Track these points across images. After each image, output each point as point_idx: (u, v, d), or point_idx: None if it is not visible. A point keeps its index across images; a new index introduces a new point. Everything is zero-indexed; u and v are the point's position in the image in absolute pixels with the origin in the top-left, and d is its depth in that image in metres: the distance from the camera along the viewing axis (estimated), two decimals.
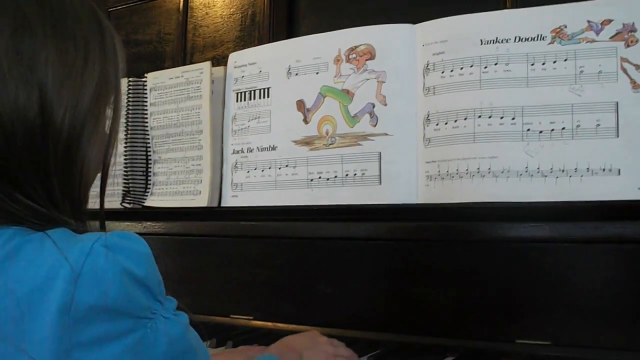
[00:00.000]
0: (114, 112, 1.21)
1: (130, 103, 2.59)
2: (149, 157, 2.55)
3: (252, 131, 2.29)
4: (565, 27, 1.81)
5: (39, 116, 1.08)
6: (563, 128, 1.77)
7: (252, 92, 2.31)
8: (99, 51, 1.17)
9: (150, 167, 2.55)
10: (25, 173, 1.08)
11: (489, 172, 1.83)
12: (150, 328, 1.05)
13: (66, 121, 1.10)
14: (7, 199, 1.08)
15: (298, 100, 2.19)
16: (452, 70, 1.92)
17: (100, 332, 1.00)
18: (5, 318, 0.99)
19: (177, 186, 2.44)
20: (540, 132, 1.80)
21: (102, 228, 1.25)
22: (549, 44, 1.82)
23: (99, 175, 1.24)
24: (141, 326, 1.04)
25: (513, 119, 1.82)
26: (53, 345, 0.97)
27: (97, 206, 1.24)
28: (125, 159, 2.57)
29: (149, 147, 2.55)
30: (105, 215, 1.28)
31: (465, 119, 1.87)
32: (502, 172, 1.81)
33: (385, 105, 2.02)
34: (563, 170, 1.76)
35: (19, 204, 1.08)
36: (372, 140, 2.03)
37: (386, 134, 2.01)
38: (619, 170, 1.72)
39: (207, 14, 2.77)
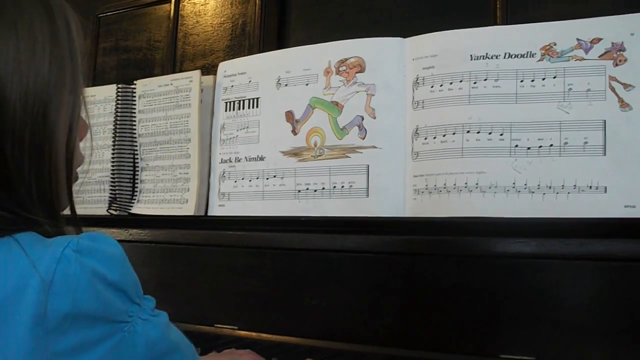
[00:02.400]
0: (73, 96, 1.17)
1: (118, 110, 2.59)
2: (137, 165, 2.55)
3: (241, 141, 2.29)
4: (555, 44, 1.82)
5: None
6: (551, 145, 1.78)
7: (241, 101, 2.31)
8: (49, 35, 1.13)
9: (137, 175, 2.54)
10: None
11: (477, 187, 1.83)
12: (128, 332, 1.03)
13: (22, 111, 1.07)
14: None
15: (287, 111, 2.19)
16: (441, 85, 1.93)
17: (77, 340, 0.98)
18: None
19: (164, 194, 2.43)
20: (529, 148, 1.80)
21: (78, 230, 1.20)
22: (539, 60, 1.83)
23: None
24: (118, 330, 1.02)
25: (501, 134, 1.83)
26: (28, 358, 0.96)
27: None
28: (112, 166, 2.56)
29: (137, 154, 2.55)
30: (90, 221, 1.25)
31: (454, 133, 1.88)
32: (490, 188, 1.82)
33: (374, 118, 2.03)
34: (550, 187, 1.77)
35: None
36: (361, 152, 2.03)
37: (375, 147, 2.01)
38: (606, 188, 1.72)
39: (197, 22, 2.77)
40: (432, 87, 1.94)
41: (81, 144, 1.27)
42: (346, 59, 2.10)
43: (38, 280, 0.96)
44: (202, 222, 2.33)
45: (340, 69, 2.10)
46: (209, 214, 2.35)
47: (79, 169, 1.26)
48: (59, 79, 1.13)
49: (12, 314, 0.96)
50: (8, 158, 1.06)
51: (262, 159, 2.22)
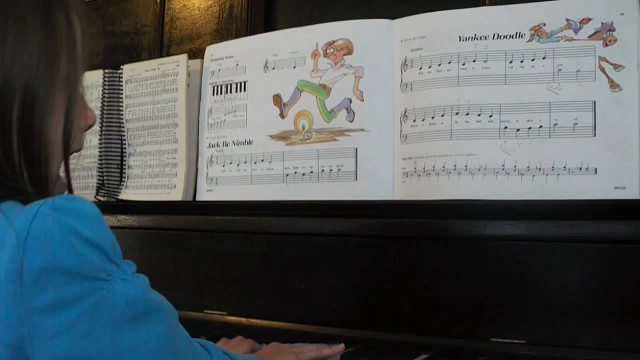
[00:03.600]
0: (70, 83, 1.16)
1: (105, 95, 2.57)
2: (124, 150, 2.53)
3: (228, 125, 2.27)
4: (544, 25, 1.81)
5: None
6: (540, 126, 1.77)
7: (229, 85, 2.29)
8: (41, 21, 1.12)
9: (125, 160, 2.53)
10: None
11: (466, 170, 1.82)
12: (106, 290, 1.02)
13: (7, 93, 1.08)
14: None
15: (275, 95, 2.17)
16: (430, 67, 1.92)
17: (55, 297, 0.97)
18: None
19: (152, 180, 2.42)
20: (518, 130, 1.79)
21: None
22: (528, 41, 1.82)
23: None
24: (97, 288, 1.01)
25: (490, 116, 1.82)
26: (6, 313, 0.96)
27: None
28: (100, 152, 2.55)
29: (124, 139, 2.53)
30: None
31: (443, 115, 1.87)
32: (479, 170, 1.81)
33: (363, 100, 2.01)
34: (540, 169, 1.76)
35: None
36: (349, 135, 2.02)
37: (363, 130, 2.00)
38: (596, 170, 1.72)
39: (184, 6, 2.75)
40: (420, 68, 1.93)
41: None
42: (334, 41, 2.08)
43: (14, 237, 0.96)
44: (190, 207, 2.33)
45: (328, 51, 2.08)
46: (197, 199, 2.34)
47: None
48: (50, 66, 1.12)
49: None
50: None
51: (250, 143, 2.21)
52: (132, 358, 1.05)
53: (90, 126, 1.27)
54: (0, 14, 1.09)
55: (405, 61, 1.96)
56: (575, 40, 1.78)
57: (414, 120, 1.92)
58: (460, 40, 1.89)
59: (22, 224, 0.97)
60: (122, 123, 2.54)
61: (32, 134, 1.10)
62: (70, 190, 1.22)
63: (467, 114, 1.84)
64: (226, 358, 1.34)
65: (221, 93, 2.31)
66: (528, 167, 1.77)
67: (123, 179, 2.52)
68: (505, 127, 1.80)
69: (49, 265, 0.96)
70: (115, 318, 1.03)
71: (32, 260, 0.96)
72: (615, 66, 1.74)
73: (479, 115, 1.83)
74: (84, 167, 2.59)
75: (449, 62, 1.89)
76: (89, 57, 1.21)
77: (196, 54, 2.60)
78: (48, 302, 0.97)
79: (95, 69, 2.68)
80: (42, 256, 0.96)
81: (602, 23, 1.76)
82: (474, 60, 1.86)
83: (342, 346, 1.71)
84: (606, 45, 1.75)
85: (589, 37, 1.77)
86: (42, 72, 1.11)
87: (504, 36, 1.85)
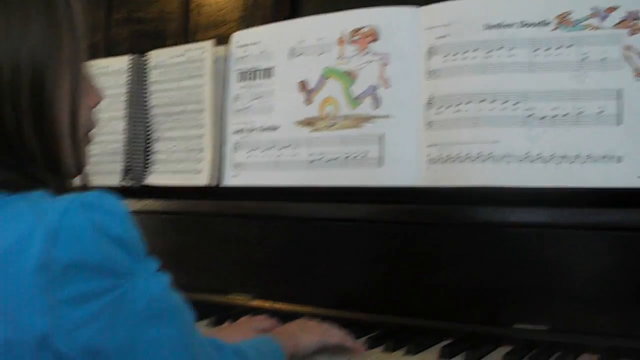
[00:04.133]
0: (74, 65, 1.18)
1: (131, 81, 2.59)
2: (150, 136, 2.55)
3: (254, 111, 2.29)
4: (570, 13, 1.81)
5: None
6: (565, 114, 1.78)
7: (255, 72, 2.31)
8: (44, 6, 1.13)
9: (150, 146, 2.55)
10: None
11: (491, 157, 1.83)
12: (129, 287, 1.05)
13: (16, 78, 1.09)
14: None
15: (300, 81, 2.19)
16: (455, 54, 1.92)
17: (80, 290, 1.00)
18: None
19: (178, 165, 2.44)
20: (542, 117, 1.80)
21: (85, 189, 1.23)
22: (553, 29, 1.82)
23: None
24: (120, 284, 1.04)
25: (515, 104, 1.82)
26: (34, 303, 0.98)
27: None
28: (125, 137, 2.57)
29: (150, 125, 2.55)
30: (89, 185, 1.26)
31: (468, 103, 1.88)
32: (504, 157, 1.82)
33: (388, 87, 2.02)
34: (564, 157, 1.76)
35: None
36: (374, 122, 2.03)
37: (388, 116, 2.01)
38: (620, 158, 1.72)
39: None
40: (446, 56, 1.94)
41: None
42: (360, 28, 2.09)
43: (43, 231, 0.99)
44: (215, 192, 2.34)
45: (354, 38, 2.09)
46: (223, 184, 2.35)
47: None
48: (55, 48, 1.14)
49: (17, 262, 0.98)
50: (7, 123, 1.09)
51: (275, 129, 2.22)
52: (149, 354, 1.09)
53: (97, 103, 1.29)
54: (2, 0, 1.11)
55: (431, 48, 1.97)
56: (601, 28, 1.78)
57: (439, 108, 1.93)
58: (486, 28, 1.89)
59: (52, 217, 1.00)
60: (148, 109, 2.56)
61: (43, 115, 1.12)
62: (80, 171, 1.25)
63: (492, 102, 1.85)
64: (238, 356, 1.36)
65: (247, 79, 2.32)
66: (552, 154, 1.77)
67: (148, 164, 2.54)
68: (530, 115, 1.81)
69: (76, 260, 1.00)
70: (135, 314, 1.06)
71: (61, 254, 0.98)
72: None
73: (504, 103, 1.84)
74: (109, 152, 2.61)
75: (475, 50, 1.89)
76: (87, 33, 1.23)
77: (221, 40, 2.60)
78: (73, 295, 1.00)
79: (121, 54, 2.71)
80: (70, 251, 0.99)
81: (628, 12, 1.76)
82: (500, 48, 1.86)
83: (363, 348, 1.72)
84: (632, 33, 1.75)
85: (614, 25, 1.77)
86: (47, 54, 1.12)
87: (529, 24, 1.85)
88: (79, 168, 1.24)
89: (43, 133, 1.12)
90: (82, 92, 1.21)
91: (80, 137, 1.23)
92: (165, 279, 1.13)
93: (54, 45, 1.13)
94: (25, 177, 1.09)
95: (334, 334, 1.70)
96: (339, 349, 1.68)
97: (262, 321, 1.82)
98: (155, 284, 1.10)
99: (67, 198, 1.03)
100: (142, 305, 1.07)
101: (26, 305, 0.98)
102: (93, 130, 1.29)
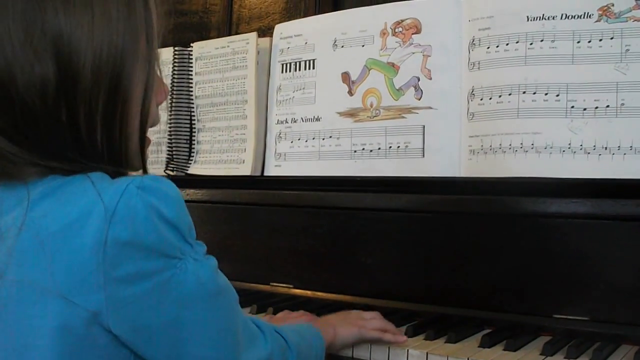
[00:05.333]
0: (147, 65, 1.20)
1: (175, 72, 2.62)
2: (193, 126, 2.58)
3: (297, 102, 2.31)
4: (613, 5, 1.81)
5: (59, 73, 1.09)
6: (607, 106, 1.78)
7: (298, 63, 2.33)
8: (125, 7, 1.15)
9: (194, 136, 2.58)
10: (57, 127, 1.11)
11: (532, 148, 1.83)
12: (179, 268, 1.09)
13: (96, 80, 1.11)
14: (39, 152, 1.11)
15: (343, 73, 2.21)
16: (497, 46, 1.93)
17: (133, 270, 1.04)
18: (31, 256, 1.04)
19: (221, 155, 2.46)
20: (585, 109, 1.80)
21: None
22: (596, 21, 1.82)
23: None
24: (171, 266, 1.08)
25: (557, 95, 1.83)
26: (89, 279, 1.02)
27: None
28: (169, 127, 2.60)
29: (194, 115, 2.58)
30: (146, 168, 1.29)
31: (510, 94, 1.88)
32: (545, 148, 1.82)
33: (430, 79, 2.04)
34: (606, 148, 1.76)
35: (52, 156, 1.11)
36: (417, 113, 2.04)
37: (430, 108, 2.03)
38: None
39: None
40: (488, 48, 1.94)
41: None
42: (402, 20, 2.10)
43: (102, 209, 1.03)
44: (258, 182, 2.37)
45: (397, 30, 2.11)
46: (266, 174, 2.38)
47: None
48: (132, 49, 1.16)
49: (76, 237, 1.02)
50: (81, 124, 1.12)
51: (318, 119, 2.24)
52: (194, 334, 1.13)
53: (164, 101, 1.32)
54: (85, 3, 1.12)
55: (473, 40, 1.98)
56: None
57: (481, 99, 1.94)
58: (528, 20, 1.89)
59: (110, 198, 1.04)
60: (192, 99, 2.60)
61: (115, 115, 1.15)
62: (145, 170, 1.28)
63: (534, 93, 1.85)
64: (277, 336, 1.39)
65: (290, 70, 2.34)
66: (594, 146, 1.78)
67: (192, 154, 2.57)
68: (572, 107, 1.81)
69: (131, 240, 1.03)
70: (183, 295, 1.10)
71: (117, 234, 1.02)
72: None
73: (546, 94, 1.84)
74: (154, 143, 2.64)
75: (517, 42, 1.90)
76: (160, 36, 1.26)
77: (264, 32, 2.63)
78: (126, 274, 1.04)
79: (165, 46, 2.74)
80: (126, 231, 1.03)
81: None
82: (542, 40, 1.87)
83: (404, 338, 1.72)
84: None
85: None
86: (125, 54, 1.15)
87: (572, 16, 1.85)
88: (143, 166, 1.27)
89: (113, 133, 1.15)
90: (154, 93, 1.24)
91: (146, 135, 1.26)
92: (213, 262, 1.18)
93: (132, 46, 1.16)
94: (87, 169, 1.12)
95: (373, 328, 1.71)
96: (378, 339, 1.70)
97: (301, 316, 1.84)
98: (203, 266, 1.14)
99: (125, 180, 1.07)
100: (191, 286, 1.11)
101: (82, 281, 1.02)
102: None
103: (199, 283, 1.12)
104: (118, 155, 1.17)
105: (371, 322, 1.73)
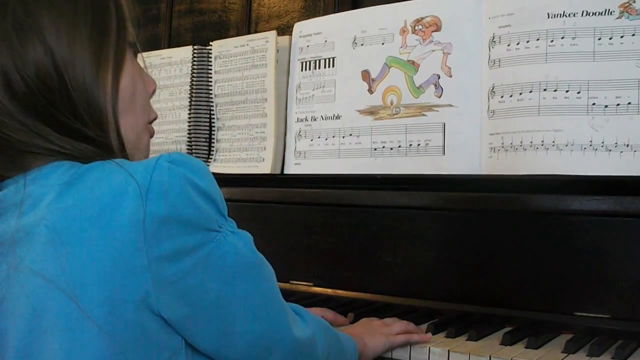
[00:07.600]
0: (118, 54, 1.20)
1: (194, 71, 2.63)
2: (213, 124, 2.59)
3: (317, 100, 2.31)
4: (634, 1, 1.80)
5: (56, 69, 1.11)
6: (629, 103, 1.77)
7: (317, 61, 2.33)
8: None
9: (213, 134, 2.59)
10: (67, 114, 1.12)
11: (553, 145, 1.83)
12: (218, 241, 1.08)
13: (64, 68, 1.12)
14: (54, 138, 1.12)
15: (363, 70, 2.21)
16: (518, 43, 1.92)
17: (175, 246, 1.03)
18: (67, 249, 1.02)
19: (241, 153, 2.47)
20: (606, 106, 1.79)
21: None
22: (617, 18, 1.81)
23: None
24: (211, 239, 1.07)
25: (578, 92, 1.82)
26: (133, 263, 1.01)
27: None
28: (189, 126, 2.61)
29: (213, 114, 2.59)
30: None
31: (531, 91, 1.88)
32: (567, 146, 1.82)
33: (451, 76, 2.04)
34: (628, 145, 1.76)
35: (67, 142, 1.12)
36: (437, 111, 2.04)
37: (451, 105, 2.02)
38: None
39: None
40: (508, 45, 1.94)
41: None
42: (422, 18, 2.10)
43: (136, 187, 1.02)
44: (278, 180, 2.37)
45: (417, 27, 2.11)
46: (286, 172, 2.38)
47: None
48: (102, 40, 1.17)
49: (112, 221, 1.01)
50: (68, 120, 1.13)
51: (338, 117, 2.25)
52: (240, 308, 1.12)
53: (153, 92, 1.32)
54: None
55: (494, 38, 1.97)
56: None
57: (502, 96, 1.93)
58: (548, 17, 1.89)
59: (143, 175, 1.03)
60: (211, 98, 2.60)
61: (88, 102, 1.14)
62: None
63: (555, 90, 1.85)
64: (319, 319, 1.39)
65: (309, 69, 2.35)
66: (616, 143, 1.77)
67: (212, 153, 2.58)
68: (593, 104, 1.80)
69: (169, 215, 1.02)
70: (225, 269, 1.09)
71: (155, 210, 1.01)
72: None
73: (567, 91, 1.83)
74: (173, 141, 2.66)
75: (537, 39, 1.89)
76: (134, 26, 1.25)
77: (283, 30, 2.64)
78: (168, 251, 1.03)
79: (184, 45, 2.75)
80: (163, 206, 1.02)
81: None
82: (563, 37, 1.86)
83: (429, 336, 1.72)
84: None
85: None
86: (94, 46, 1.15)
87: (592, 13, 1.84)
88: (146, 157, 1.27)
89: (94, 119, 1.15)
90: (134, 83, 1.23)
91: (142, 124, 1.27)
92: (249, 234, 1.17)
93: (100, 38, 1.17)
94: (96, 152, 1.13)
95: (399, 332, 1.70)
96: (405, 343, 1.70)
97: (324, 312, 1.84)
98: (241, 238, 1.13)
99: (153, 158, 1.06)
100: (231, 259, 1.10)
101: (126, 264, 1.01)
102: (155, 121, 1.33)
103: (238, 255, 1.11)
104: (104, 141, 1.16)
105: (394, 327, 1.72)
